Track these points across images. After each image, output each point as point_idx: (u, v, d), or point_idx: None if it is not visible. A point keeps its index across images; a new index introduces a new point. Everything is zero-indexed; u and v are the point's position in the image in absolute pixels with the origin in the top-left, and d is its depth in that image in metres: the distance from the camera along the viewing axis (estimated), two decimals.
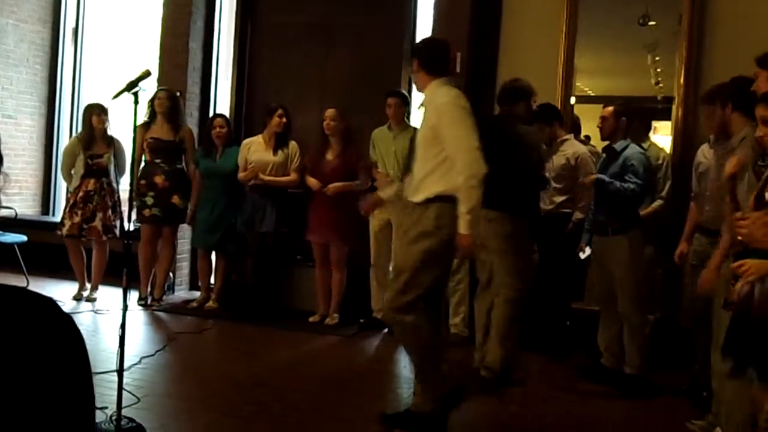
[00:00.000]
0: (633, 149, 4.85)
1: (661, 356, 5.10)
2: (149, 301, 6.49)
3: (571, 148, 5.65)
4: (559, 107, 5.92)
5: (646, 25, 6.02)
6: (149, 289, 6.57)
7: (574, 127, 6.20)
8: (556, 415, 4.36)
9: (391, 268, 5.15)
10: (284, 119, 6.17)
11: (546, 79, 5.88)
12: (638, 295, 4.76)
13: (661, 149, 5.62)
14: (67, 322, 1.02)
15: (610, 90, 6.71)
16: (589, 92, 6.57)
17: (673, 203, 5.33)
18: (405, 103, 6.14)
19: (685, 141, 5.69)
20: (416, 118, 6.40)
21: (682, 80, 5.77)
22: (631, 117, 4.93)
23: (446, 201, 3.70)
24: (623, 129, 4.87)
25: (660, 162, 5.37)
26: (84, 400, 1.01)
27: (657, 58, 6.27)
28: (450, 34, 6.08)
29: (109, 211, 6.49)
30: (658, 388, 4.73)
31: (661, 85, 6.24)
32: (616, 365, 4.89)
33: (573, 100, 6.20)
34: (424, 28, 6.67)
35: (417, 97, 6.43)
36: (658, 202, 5.30)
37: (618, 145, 4.86)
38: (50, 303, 1.02)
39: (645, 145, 5.22)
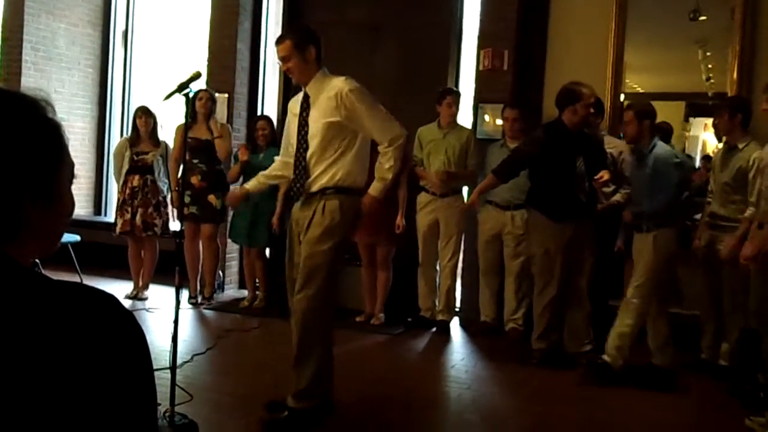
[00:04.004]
0: (661, 149, 4.79)
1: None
2: (200, 300, 6.57)
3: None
4: (608, 104, 5.85)
5: (696, 20, 5.91)
6: (198, 287, 6.65)
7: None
8: (601, 418, 4.32)
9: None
10: None
11: (595, 75, 5.81)
12: (649, 291, 4.74)
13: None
14: (129, 319, 1.03)
15: (659, 86, 6.60)
16: (638, 89, 6.47)
17: None
18: (459, 101, 6.15)
19: None
20: (465, 116, 6.40)
21: (735, 76, 5.66)
22: (654, 117, 4.85)
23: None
24: (648, 129, 4.80)
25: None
26: (147, 398, 1.02)
27: (708, 54, 6.15)
28: (497, 32, 6.09)
29: (151, 209, 6.58)
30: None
31: (712, 81, 6.12)
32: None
33: (622, 96, 6.12)
34: (471, 26, 6.65)
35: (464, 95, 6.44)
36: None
37: (645, 146, 4.82)
38: (112, 300, 1.03)
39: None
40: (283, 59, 3.76)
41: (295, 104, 3.96)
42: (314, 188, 3.78)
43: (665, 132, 5.81)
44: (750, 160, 4.73)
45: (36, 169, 1.02)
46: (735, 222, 4.81)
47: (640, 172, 4.86)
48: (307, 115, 3.79)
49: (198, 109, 6.41)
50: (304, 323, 3.74)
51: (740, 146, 4.89)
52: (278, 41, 3.81)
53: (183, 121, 3.86)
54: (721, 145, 5.34)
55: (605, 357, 4.78)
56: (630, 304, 4.76)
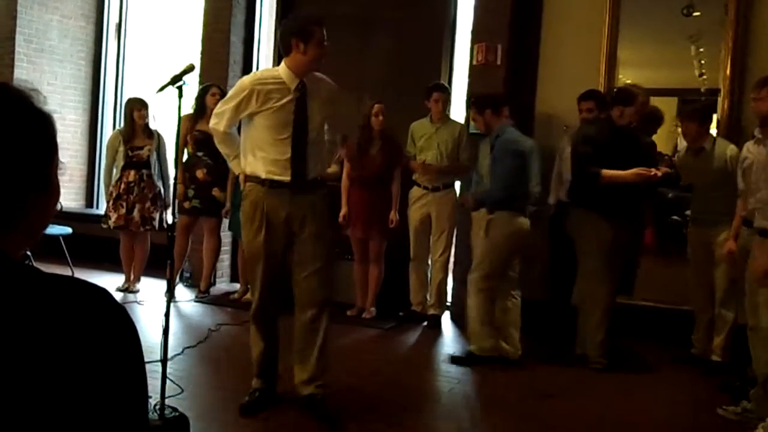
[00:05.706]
0: (505, 136, 5.01)
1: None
2: (195, 296, 6.58)
3: None
4: None
5: (690, 16, 5.92)
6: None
7: None
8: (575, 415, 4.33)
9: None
10: None
11: (588, 71, 5.82)
12: (489, 271, 4.97)
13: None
14: (120, 312, 1.04)
15: (652, 82, 6.57)
16: None
17: None
18: (449, 96, 6.17)
19: (730, 133, 5.58)
20: (458, 111, 6.42)
21: (728, 72, 5.67)
22: (495, 106, 5.09)
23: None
24: (493, 118, 5.06)
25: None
26: (138, 391, 1.02)
27: (701, 49, 6.16)
28: (491, 26, 6.09)
29: (148, 203, 6.57)
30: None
31: (705, 76, 6.13)
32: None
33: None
34: (464, 20, 6.65)
35: (457, 90, 6.45)
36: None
37: (493, 135, 5.09)
38: (104, 293, 1.03)
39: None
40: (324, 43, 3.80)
41: (272, 85, 3.77)
42: (303, 180, 3.86)
43: (654, 117, 5.78)
44: (727, 159, 4.91)
45: (35, 160, 1.02)
46: (719, 215, 4.90)
47: (489, 159, 5.11)
48: (305, 105, 3.80)
49: (210, 104, 6.33)
50: (327, 314, 4.02)
51: (707, 147, 5.04)
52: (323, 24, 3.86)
53: (186, 113, 3.87)
54: (681, 147, 5.49)
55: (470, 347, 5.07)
56: (471, 294, 5.02)
